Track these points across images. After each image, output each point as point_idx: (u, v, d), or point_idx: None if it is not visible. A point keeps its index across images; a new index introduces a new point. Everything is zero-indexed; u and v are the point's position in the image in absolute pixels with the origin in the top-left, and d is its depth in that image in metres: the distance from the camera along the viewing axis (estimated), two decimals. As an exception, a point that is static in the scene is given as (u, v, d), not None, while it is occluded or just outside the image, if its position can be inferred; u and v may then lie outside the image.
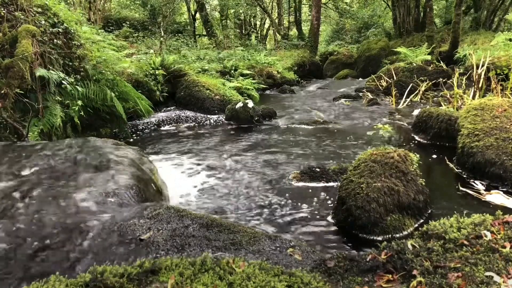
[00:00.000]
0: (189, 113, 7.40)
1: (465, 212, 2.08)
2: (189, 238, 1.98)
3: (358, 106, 8.06)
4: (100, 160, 2.87)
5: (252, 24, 22.11)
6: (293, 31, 21.74)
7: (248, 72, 10.50)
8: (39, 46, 4.48)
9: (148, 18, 15.60)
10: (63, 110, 4.64)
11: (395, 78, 9.15)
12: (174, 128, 6.57)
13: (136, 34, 12.74)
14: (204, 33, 18.50)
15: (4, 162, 2.73)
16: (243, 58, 12.15)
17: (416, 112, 6.45)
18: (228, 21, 19.85)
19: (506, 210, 2.77)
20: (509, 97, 5.54)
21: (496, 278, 1.39)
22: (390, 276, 1.54)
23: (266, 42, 22.27)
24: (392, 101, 7.87)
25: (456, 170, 3.80)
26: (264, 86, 10.88)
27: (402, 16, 16.95)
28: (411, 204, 2.72)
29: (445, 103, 6.66)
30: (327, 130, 5.97)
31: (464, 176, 3.64)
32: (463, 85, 7.04)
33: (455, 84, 6.46)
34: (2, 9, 4.47)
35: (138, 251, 1.87)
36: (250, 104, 6.75)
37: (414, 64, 9.81)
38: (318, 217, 2.93)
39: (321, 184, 3.54)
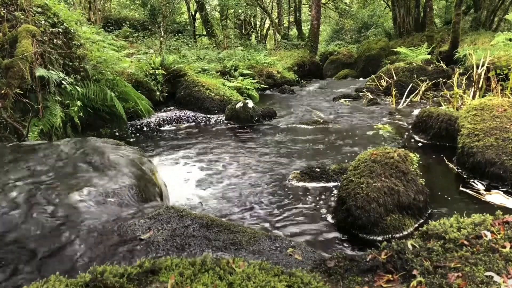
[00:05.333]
0: (189, 113, 7.40)
1: (465, 212, 2.08)
2: (189, 238, 1.98)
3: (358, 106, 8.06)
4: (100, 160, 2.87)
5: (252, 24, 22.10)
6: (293, 31, 21.73)
7: (248, 72, 10.50)
8: (39, 46, 4.48)
9: (148, 18, 15.60)
10: (63, 110, 4.64)
11: (395, 78, 9.15)
12: (174, 128, 6.57)
13: (136, 34, 12.73)
14: (204, 33, 18.50)
15: (4, 161, 2.73)
16: (243, 58, 12.14)
17: (416, 112, 6.46)
18: (228, 21, 19.84)
19: (506, 210, 2.77)
20: (509, 97, 5.54)
21: (496, 278, 1.39)
22: (390, 276, 1.54)
23: (266, 42, 22.26)
24: (392, 101, 7.87)
25: (456, 170, 3.80)
26: (264, 86, 10.87)
27: (402, 16, 16.95)
28: (411, 204, 2.72)
29: (445, 103, 6.66)
30: (327, 130, 5.97)
31: (464, 176, 3.64)
32: (463, 85, 7.04)
33: (455, 84, 6.46)
34: (2, 9, 4.47)
35: (138, 251, 1.87)
36: (250, 104, 6.75)
37: (414, 64, 9.81)
38: (318, 217, 2.93)
39: (321, 184, 3.54)
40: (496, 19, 14.16)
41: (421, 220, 2.76)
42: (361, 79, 14.02)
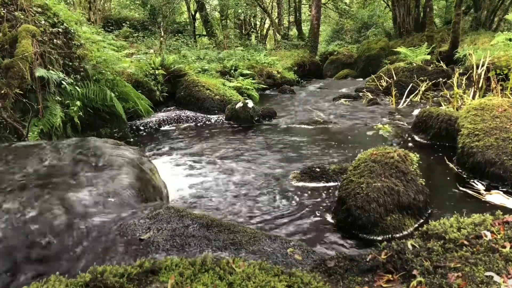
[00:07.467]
0: (189, 113, 7.40)
1: (465, 212, 2.08)
2: (189, 238, 1.98)
3: (358, 106, 8.06)
4: (100, 160, 2.87)
5: (252, 24, 22.09)
6: (293, 31, 21.73)
7: (248, 72, 10.50)
8: (39, 46, 4.48)
9: (148, 18, 15.60)
10: (63, 110, 4.64)
11: (395, 78, 9.15)
12: (174, 128, 6.57)
13: (136, 34, 12.74)
14: (204, 33, 18.50)
15: (4, 161, 2.73)
16: (243, 58, 12.15)
17: (416, 112, 6.45)
18: (228, 21, 19.84)
19: (506, 210, 2.77)
20: (509, 97, 5.54)
21: (496, 278, 1.39)
22: (390, 276, 1.54)
23: (266, 42, 22.25)
24: (392, 101, 7.87)
25: (456, 170, 3.80)
26: (264, 86, 10.87)
27: (402, 16, 16.96)
28: (411, 204, 2.72)
29: (445, 103, 6.66)
30: (327, 130, 5.97)
31: (464, 176, 3.64)
32: (463, 85, 7.04)
33: (455, 84, 6.45)
34: (2, 9, 4.47)
35: (138, 251, 1.87)
36: (250, 104, 6.75)
37: (414, 64, 9.81)
38: (318, 217, 2.93)
39: (321, 184, 3.54)
40: (496, 19, 14.15)
41: (421, 220, 2.75)
42: (361, 79, 14.02)
